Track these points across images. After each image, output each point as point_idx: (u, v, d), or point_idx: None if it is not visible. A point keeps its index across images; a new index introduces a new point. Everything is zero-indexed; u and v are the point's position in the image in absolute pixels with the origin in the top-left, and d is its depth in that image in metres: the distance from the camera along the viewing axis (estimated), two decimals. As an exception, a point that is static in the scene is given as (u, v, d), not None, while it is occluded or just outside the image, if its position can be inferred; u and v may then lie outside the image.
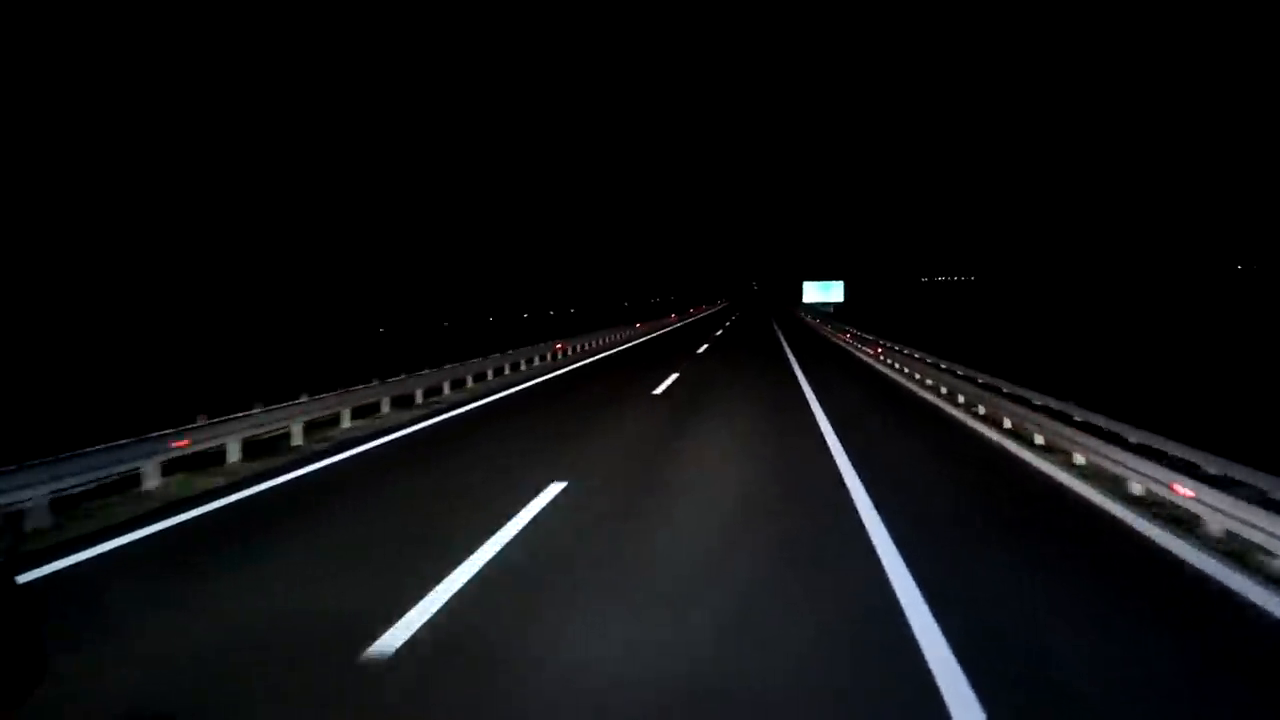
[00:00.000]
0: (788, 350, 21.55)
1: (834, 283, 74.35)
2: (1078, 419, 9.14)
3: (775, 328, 37.32)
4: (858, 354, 21.56)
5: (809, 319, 47.20)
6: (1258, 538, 5.12)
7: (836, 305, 69.09)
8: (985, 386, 11.96)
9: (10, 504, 5.55)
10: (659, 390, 14.18)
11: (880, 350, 19.06)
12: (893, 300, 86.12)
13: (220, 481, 7.79)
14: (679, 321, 44.10)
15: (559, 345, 21.43)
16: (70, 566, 5.36)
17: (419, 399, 12.81)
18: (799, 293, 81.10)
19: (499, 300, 69.87)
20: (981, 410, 11.01)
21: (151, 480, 7.17)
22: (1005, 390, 11.66)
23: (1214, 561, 5.38)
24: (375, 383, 12.27)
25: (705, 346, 24.26)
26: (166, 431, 7.78)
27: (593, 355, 21.42)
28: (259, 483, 7.60)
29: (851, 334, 27.44)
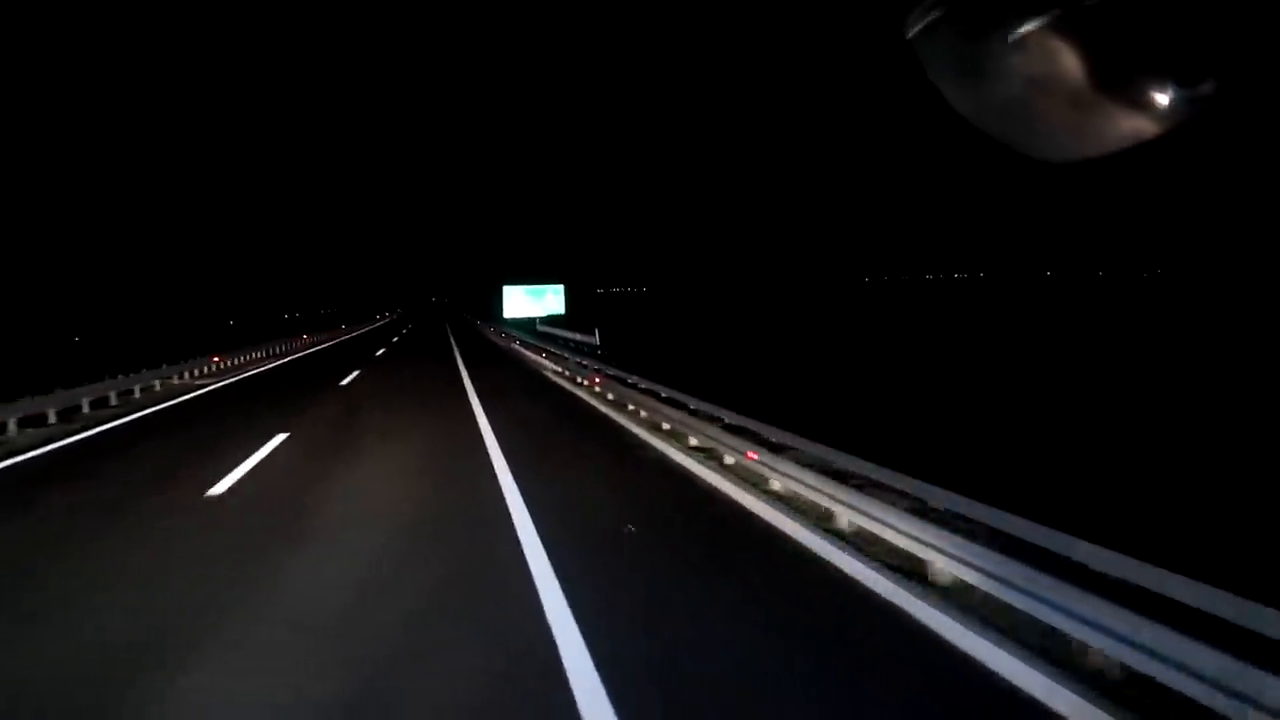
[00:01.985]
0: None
1: (549, 287, 52.41)
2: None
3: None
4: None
5: (527, 352, 28.66)
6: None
7: (556, 320, 48.64)
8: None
9: None
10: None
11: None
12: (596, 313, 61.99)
13: None
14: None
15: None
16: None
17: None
18: (492, 303, 61.97)
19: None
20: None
21: None
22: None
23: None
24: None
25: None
26: None
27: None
28: None
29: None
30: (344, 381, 21.85)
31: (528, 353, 29.15)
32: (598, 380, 17.36)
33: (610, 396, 15.88)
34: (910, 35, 1.46)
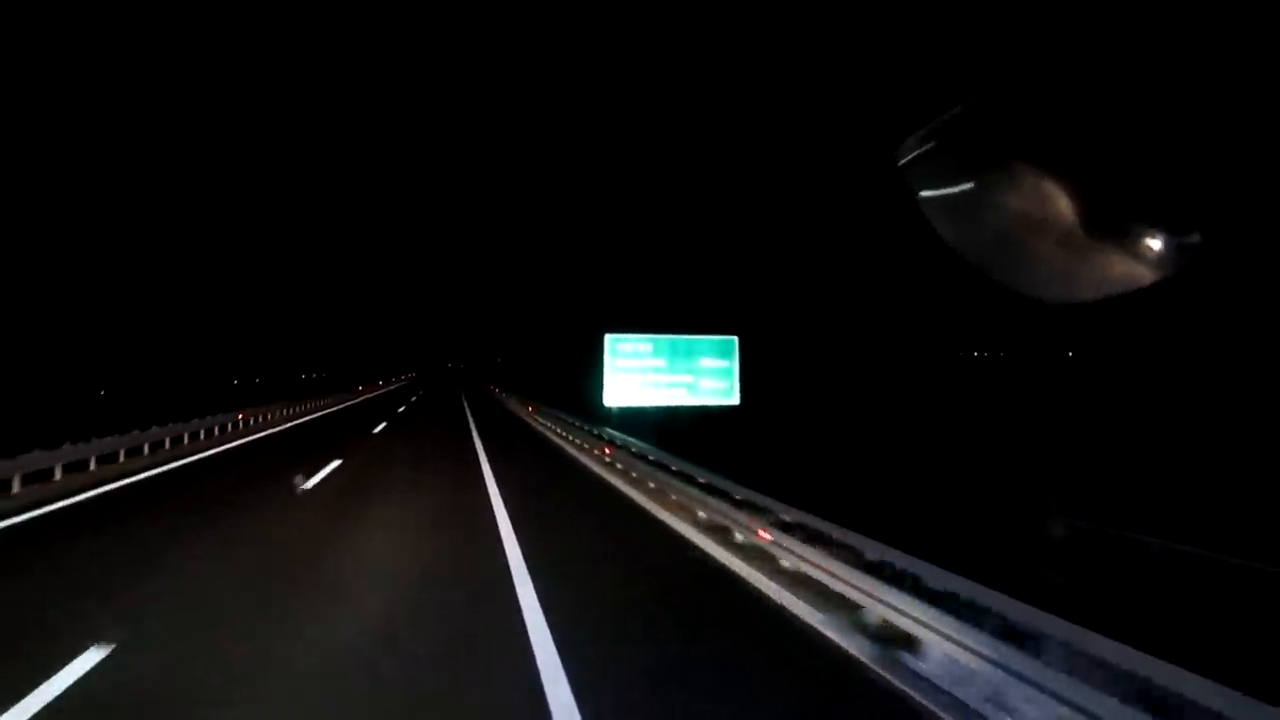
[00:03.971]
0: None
1: (706, 339, 27.37)
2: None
3: None
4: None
5: None
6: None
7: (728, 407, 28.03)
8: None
9: None
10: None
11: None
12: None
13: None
14: None
15: None
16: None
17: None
18: (586, 380, 36.98)
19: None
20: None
21: None
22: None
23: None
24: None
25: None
26: None
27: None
28: None
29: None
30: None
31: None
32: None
33: None
34: (902, 164, 1.52)
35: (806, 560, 9.91)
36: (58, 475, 17.03)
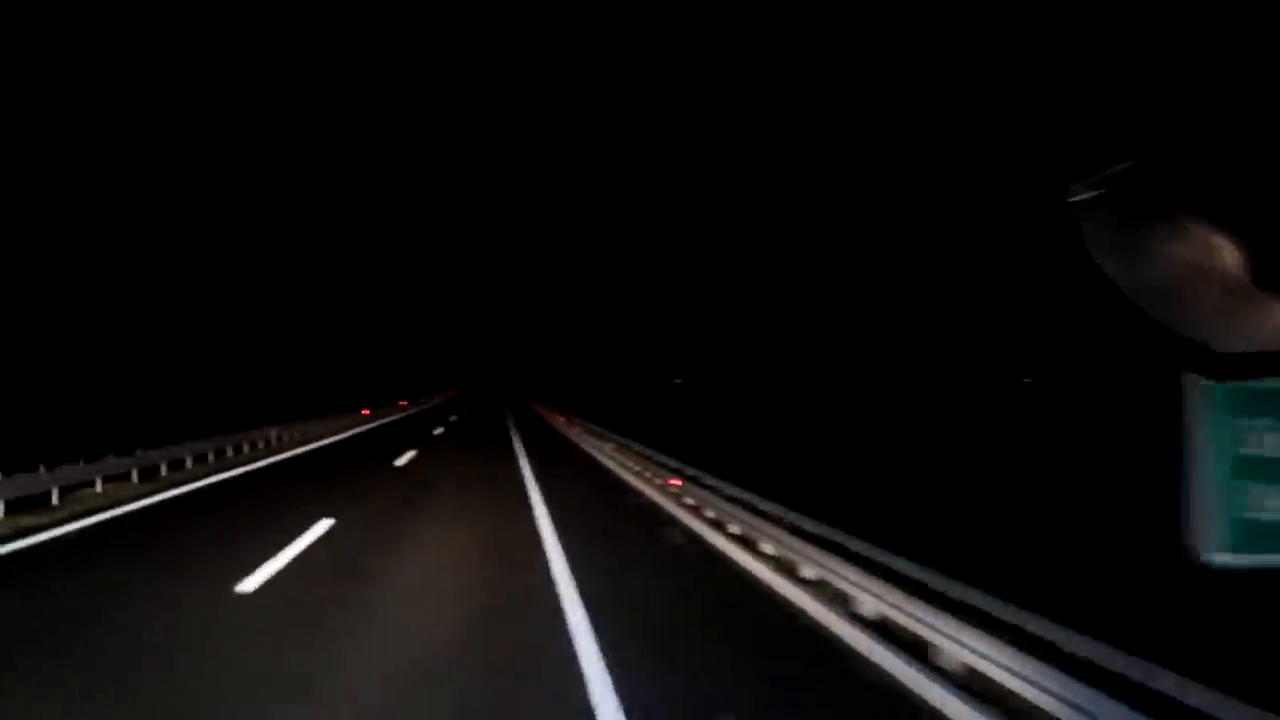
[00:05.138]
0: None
1: None
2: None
3: None
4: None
5: None
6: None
7: None
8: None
9: None
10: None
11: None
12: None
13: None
14: None
15: None
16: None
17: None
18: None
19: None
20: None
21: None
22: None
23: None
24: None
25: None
26: None
27: None
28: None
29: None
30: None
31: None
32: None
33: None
34: (1071, 202, 1.70)
35: None
36: None
